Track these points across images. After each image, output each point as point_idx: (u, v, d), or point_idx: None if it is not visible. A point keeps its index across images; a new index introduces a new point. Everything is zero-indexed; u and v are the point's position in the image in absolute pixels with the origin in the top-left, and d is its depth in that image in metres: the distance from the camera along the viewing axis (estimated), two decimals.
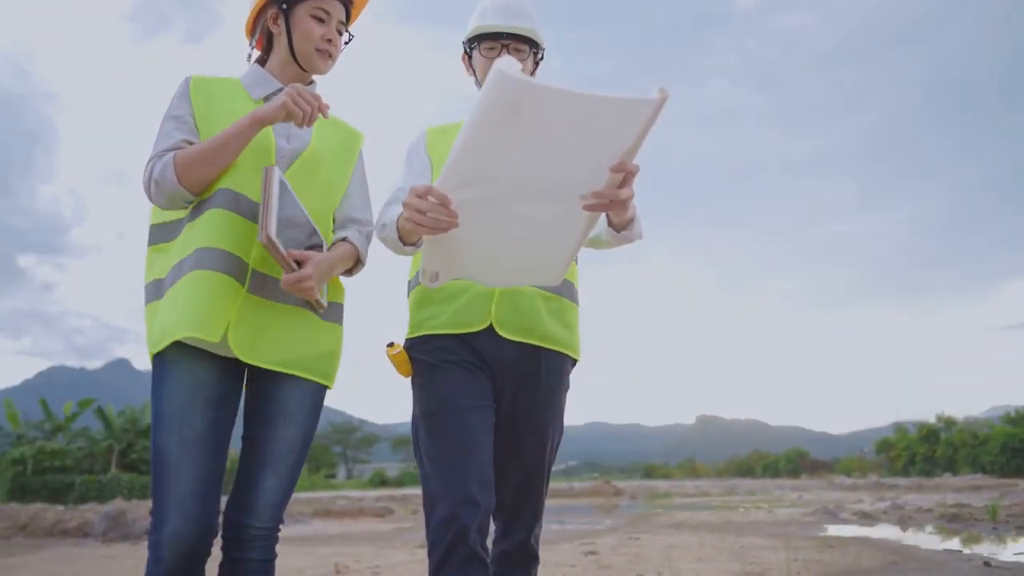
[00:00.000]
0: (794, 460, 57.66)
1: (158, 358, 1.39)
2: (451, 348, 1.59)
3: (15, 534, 8.32)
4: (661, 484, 32.95)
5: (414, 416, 1.61)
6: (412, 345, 1.64)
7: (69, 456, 17.06)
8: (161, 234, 1.48)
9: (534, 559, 1.69)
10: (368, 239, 1.62)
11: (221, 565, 1.44)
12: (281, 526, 1.49)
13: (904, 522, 8.30)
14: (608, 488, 22.66)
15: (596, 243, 1.62)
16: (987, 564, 4.41)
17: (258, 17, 1.59)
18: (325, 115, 1.43)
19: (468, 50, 1.74)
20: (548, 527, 9.30)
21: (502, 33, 1.66)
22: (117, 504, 8.52)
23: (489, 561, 1.55)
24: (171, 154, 1.41)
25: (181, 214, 1.47)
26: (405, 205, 1.30)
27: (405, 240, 1.48)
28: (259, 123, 1.39)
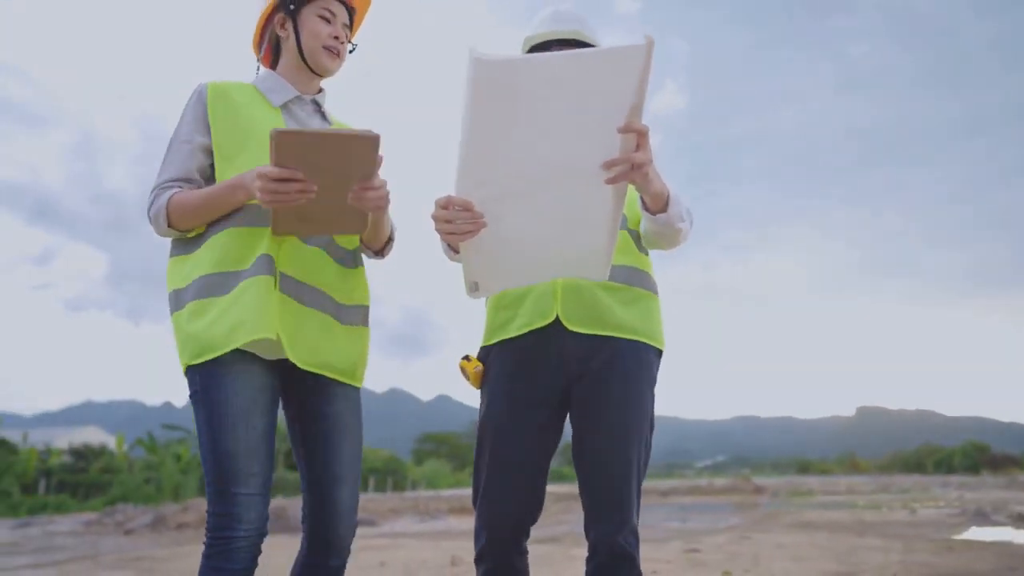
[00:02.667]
0: (971, 454, 51.95)
1: (209, 363, 1.38)
2: (521, 360, 1.60)
3: (202, 525, 9.77)
4: (811, 481, 31.24)
5: (478, 421, 1.67)
6: (487, 353, 1.67)
7: None
8: (182, 246, 1.50)
9: (626, 559, 1.54)
10: (393, 231, 1.65)
11: (300, 568, 1.51)
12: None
13: None
14: (748, 485, 21.98)
15: (648, 240, 1.61)
16: None
17: (266, 26, 1.61)
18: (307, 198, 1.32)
19: None
20: (668, 524, 9.43)
21: (550, 41, 1.68)
22: (278, 501, 9.77)
23: (587, 561, 1.58)
24: (167, 196, 1.43)
25: (200, 228, 1.47)
26: (432, 218, 1.35)
27: (454, 248, 1.50)
28: (248, 196, 1.39)
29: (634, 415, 1.57)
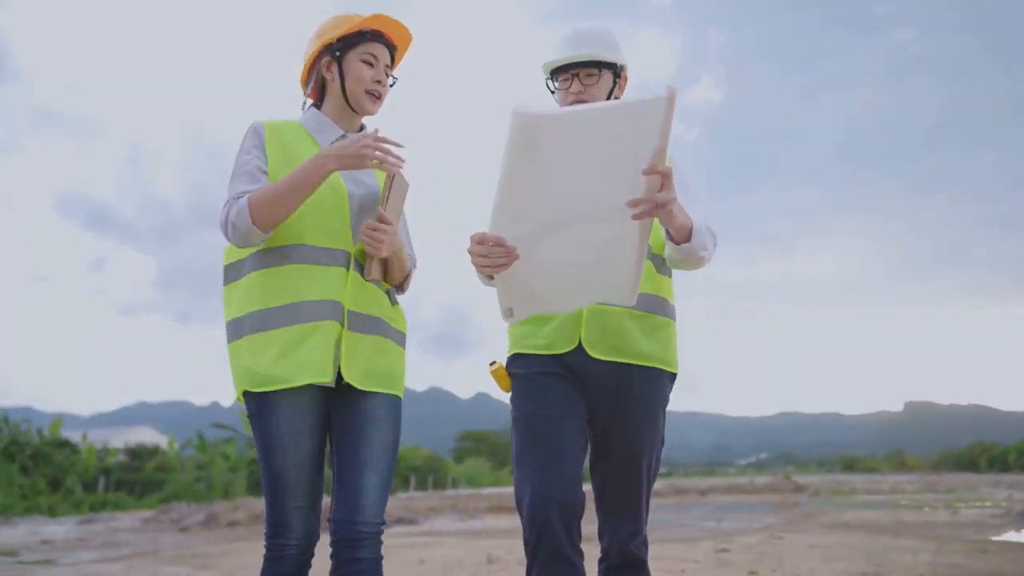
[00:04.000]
0: None
1: (260, 393, 1.50)
2: (544, 363, 1.68)
3: (252, 523, 10.25)
4: (854, 479, 30.61)
5: (511, 423, 1.72)
6: (510, 362, 1.76)
7: None
8: (235, 273, 1.59)
9: (636, 564, 1.70)
10: (415, 267, 1.75)
11: (334, 569, 1.52)
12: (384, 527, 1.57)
13: None
14: (788, 484, 21.73)
15: (672, 263, 1.69)
16: None
17: (312, 67, 1.69)
18: (396, 163, 1.52)
19: (551, 88, 1.79)
20: (702, 524, 9.49)
21: (571, 64, 1.71)
22: (324, 501, 10.14)
23: (598, 563, 1.69)
24: (246, 196, 1.50)
25: (252, 251, 1.56)
26: (468, 252, 1.46)
27: (488, 276, 1.58)
28: (332, 170, 1.49)
29: (647, 436, 1.70)
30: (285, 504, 1.52)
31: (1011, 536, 6.80)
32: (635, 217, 1.35)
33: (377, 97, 1.67)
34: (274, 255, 1.55)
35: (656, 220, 1.48)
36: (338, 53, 1.64)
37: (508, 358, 1.78)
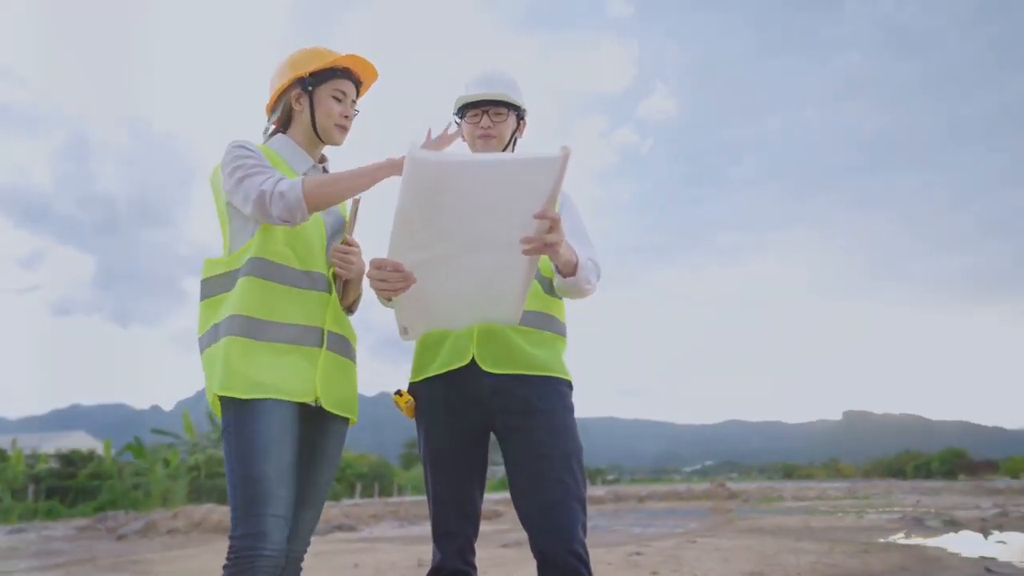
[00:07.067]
0: (949, 460, 53.04)
1: (243, 400, 1.51)
2: (445, 394, 1.76)
3: (191, 530, 10.23)
4: (788, 486, 31.91)
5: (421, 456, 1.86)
6: (414, 390, 1.83)
7: None
8: (215, 287, 1.63)
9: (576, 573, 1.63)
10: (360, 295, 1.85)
11: None
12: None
13: (987, 530, 8.24)
14: (722, 491, 22.62)
15: (559, 291, 1.80)
16: (988, 569, 4.77)
17: (281, 96, 1.75)
18: None
19: (458, 120, 1.91)
20: (630, 530, 10.01)
21: (481, 101, 1.84)
22: None
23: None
24: (299, 177, 1.56)
25: (236, 264, 1.60)
26: (368, 276, 1.54)
27: (387, 298, 1.69)
28: (395, 172, 1.53)
29: (560, 442, 1.71)
30: (263, 513, 1.47)
31: (896, 539, 7.49)
32: (525, 252, 1.47)
33: (344, 130, 1.76)
34: (267, 268, 1.60)
35: None
36: (310, 88, 1.72)
37: (411, 386, 1.86)
